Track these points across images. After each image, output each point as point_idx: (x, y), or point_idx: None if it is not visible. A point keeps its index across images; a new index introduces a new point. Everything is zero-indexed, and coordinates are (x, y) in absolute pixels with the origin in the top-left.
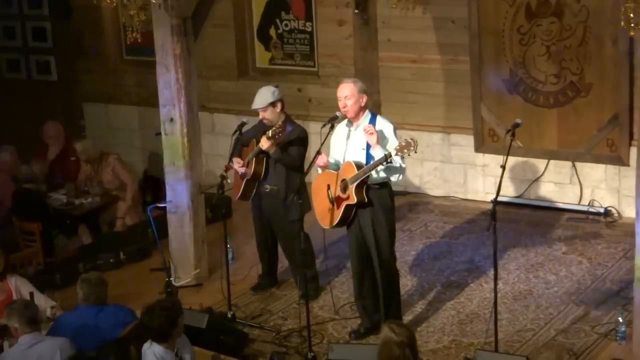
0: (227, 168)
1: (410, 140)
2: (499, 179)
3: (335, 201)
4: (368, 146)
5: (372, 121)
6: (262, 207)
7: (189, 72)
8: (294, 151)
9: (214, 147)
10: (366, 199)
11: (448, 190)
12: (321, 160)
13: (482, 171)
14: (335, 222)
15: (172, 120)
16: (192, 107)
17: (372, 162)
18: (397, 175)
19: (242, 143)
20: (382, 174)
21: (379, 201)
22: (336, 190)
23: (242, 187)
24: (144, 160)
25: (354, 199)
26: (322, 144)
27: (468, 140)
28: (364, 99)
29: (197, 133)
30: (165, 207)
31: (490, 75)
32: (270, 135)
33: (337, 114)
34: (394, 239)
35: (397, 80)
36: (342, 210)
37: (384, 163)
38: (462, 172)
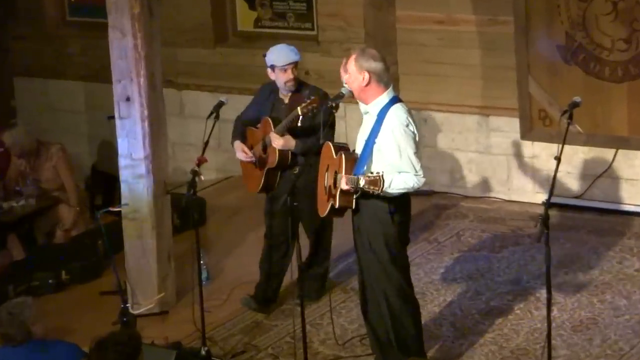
0: (200, 161)
1: (377, 176)
2: (552, 175)
3: (327, 191)
4: (369, 140)
5: (382, 115)
6: (294, 192)
7: (151, 38)
8: (318, 132)
9: (184, 134)
10: (354, 206)
11: (486, 189)
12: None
13: (530, 164)
14: (326, 212)
15: (128, 99)
16: (155, 82)
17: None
18: (412, 184)
19: (243, 123)
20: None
21: (375, 209)
22: (329, 178)
23: (264, 176)
24: (93, 151)
25: (337, 202)
26: (322, 129)
27: (512, 125)
28: (363, 79)
29: (161, 116)
30: (119, 211)
31: (540, 40)
32: (302, 111)
33: (343, 90)
34: (400, 258)
35: (420, 47)
36: (326, 210)
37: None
38: (504, 166)
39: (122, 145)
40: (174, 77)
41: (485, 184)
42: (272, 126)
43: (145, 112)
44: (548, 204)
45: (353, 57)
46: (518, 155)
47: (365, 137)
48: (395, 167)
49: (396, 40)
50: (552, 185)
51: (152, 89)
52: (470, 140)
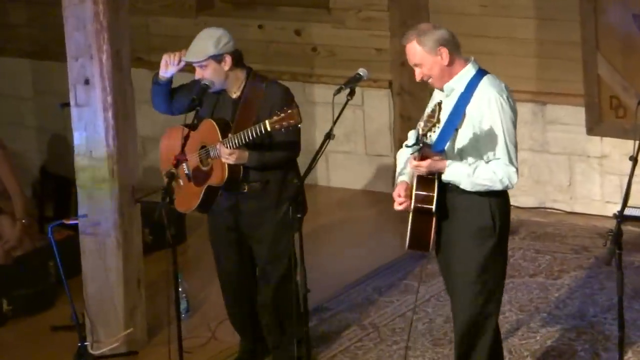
0: (179, 161)
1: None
2: (626, 180)
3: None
4: (451, 119)
5: (472, 85)
6: (237, 220)
7: (117, 4)
8: (285, 137)
9: (158, 126)
10: (434, 207)
11: (543, 197)
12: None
13: (599, 166)
14: (407, 241)
15: (87, 82)
16: (122, 60)
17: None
18: (501, 177)
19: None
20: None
21: (472, 216)
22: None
23: (202, 195)
24: (42, 148)
25: (410, 205)
26: (334, 122)
27: (576, 115)
28: (444, 55)
29: (129, 103)
30: (76, 225)
31: (612, 7)
32: (271, 126)
33: (361, 72)
34: (485, 280)
35: (458, 17)
36: (409, 222)
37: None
38: (565, 168)
39: (79, 141)
40: (145, 53)
41: (540, 192)
42: (218, 134)
43: (109, 99)
44: (621, 218)
45: (412, 43)
46: (583, 154)
47: (449, 112)
48: (483, 149)
49: (428, 7)
50: (627, 193)
51: (117, 69)
52: (522, 134)
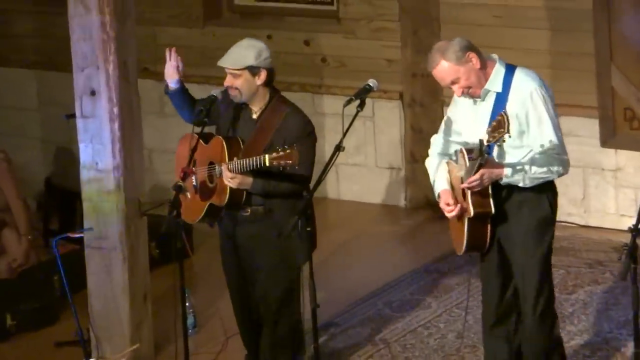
0: (187, 173)
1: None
2: None
3: (461, 213)
4: (495, 115)
5: (507, 83)
6: (237, 242)
7: (124, 14)
8: (304, 164)
9: (165, 138)
10: (493, 210)
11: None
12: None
13: (613, 179)
14: (464, 246)
15: (93, 93)
16: (128, 70)
17: None
18: (557, 168)
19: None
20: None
21: (531, 209)
22: (459, 193)
23: (205, 210)
24: (47, 160)
25: (470, 211)
26: (344, 134)
27: (589, 128)
28: (475, 60)
29: (135, 115)
30: (81, 238)
31: (626, 18)
32: (270, 162)
33: (371, 83)
34: (549, 267)
35: (470, 27)
36: (465, 227)
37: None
38: (579, 181)
39: (85, 153)
40: (152, 64)
41: None
42: (226, 155)
43: (115, 110)
44: (636, 231)
45: (440, 63)
46: (597, 167)
47: (489, 116)
48: (533, 142)
49: (439, 17)
50: None
51: (124, 79)
52: None
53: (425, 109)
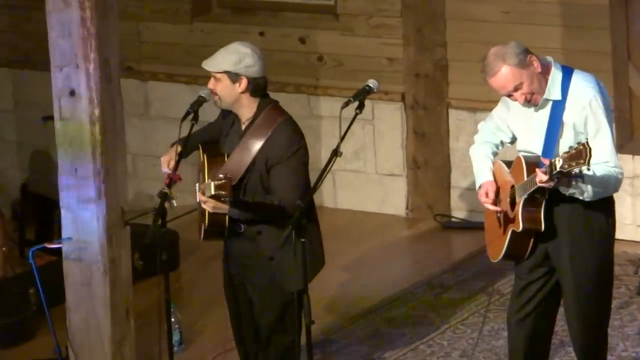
0: (172, 180)
1: (579, 147)
2: None
3: (502, 219)
4: (551, 132)
5: (565, 88)
6: (234, 260)
7: (106, 8)
8: (284, 191)
9: (150, 142)
10: (543, 227)
11: None
12: None
13: (630, 187)
14: (501, 254)
15: (72, 93)
16: (111, 70)
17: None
18: (614, 182)
19: (196, 139)
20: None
21: (585, 225)
22: (504, 200)
23: (207, 217)
24: (22, 165)
25: (519, 225)
26: (342, 138)
27: None
28: (536, 63)
29: (118, 117)
30: (60, 249)
31: None
32: (215, 192)
33: (371, 84)
34: (610, 289)
35: (478, 24)
36: (507, 237)
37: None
38: None
39: (64, 158)
40: (136, 62)
41: None
42: (206, 172)
43: (96, 112)
44: None
45: (503, 68)
46: None
47: (545, 126)
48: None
49: (445, 13)
50: None
51: (106, 79)
52: None
53: (429, 112)
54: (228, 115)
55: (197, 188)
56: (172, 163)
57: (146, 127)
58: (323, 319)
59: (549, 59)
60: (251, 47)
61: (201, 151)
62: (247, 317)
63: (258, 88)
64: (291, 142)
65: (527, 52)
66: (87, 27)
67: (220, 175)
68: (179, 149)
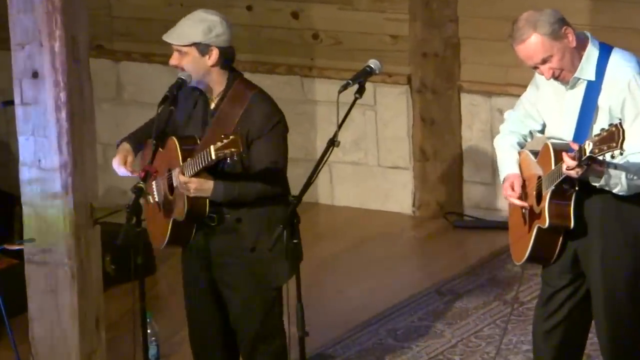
0: (148, 172)
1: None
2: None
3: (528, 215)
4: (584, 115)
5: (601, 67)
6: (207, 259)
7: None
8: (266, 167)
9: (123, 130)
10: (572, 224)
11: None
12: None
13: None
14: (526, 255)
15: (36, 75)
16: (78, 48)
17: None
18: None
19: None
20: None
21: (618, 222)
22: (531, 194)
23: (170, 228)
24: None
25: (545, 220)
26: (340, 126)
27: None
28: (571, 37)
29: (86, 101)
30: (21, 251)
31: None
32: (216, 155)
33: (372, 65)
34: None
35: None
36: (533, 235)
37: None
38: None
39: (26, 148)
40: (107, 41)
41: None
42: (179, 156)
43: (62, 96)
44: None
45: (533, 36)
46: None
47: (578, 108)
48: (629, 140)
49: None
50: None
51: (73, 59)
52: None
53: (438, 96)
54: (187, 98)
55: (172, 174)
56: (130, 159)
57: (118, 113)
58: (319, 330)
59: (587, 34)
60: (218, 14)
61: (163, 141)
62: (215, 327)
63: (229, 58)
64: (271, 114)
65: (563, 22)
66: (52, 1)
67: (219, 142)
68: (128, 145)
